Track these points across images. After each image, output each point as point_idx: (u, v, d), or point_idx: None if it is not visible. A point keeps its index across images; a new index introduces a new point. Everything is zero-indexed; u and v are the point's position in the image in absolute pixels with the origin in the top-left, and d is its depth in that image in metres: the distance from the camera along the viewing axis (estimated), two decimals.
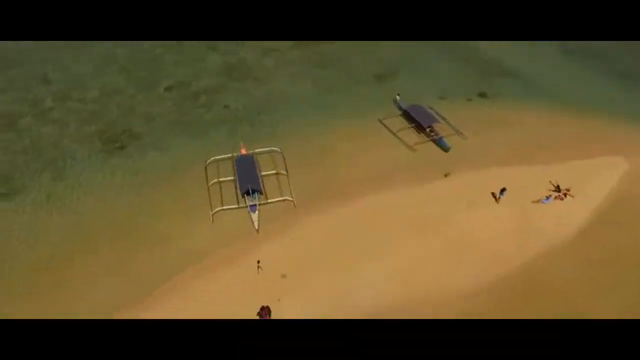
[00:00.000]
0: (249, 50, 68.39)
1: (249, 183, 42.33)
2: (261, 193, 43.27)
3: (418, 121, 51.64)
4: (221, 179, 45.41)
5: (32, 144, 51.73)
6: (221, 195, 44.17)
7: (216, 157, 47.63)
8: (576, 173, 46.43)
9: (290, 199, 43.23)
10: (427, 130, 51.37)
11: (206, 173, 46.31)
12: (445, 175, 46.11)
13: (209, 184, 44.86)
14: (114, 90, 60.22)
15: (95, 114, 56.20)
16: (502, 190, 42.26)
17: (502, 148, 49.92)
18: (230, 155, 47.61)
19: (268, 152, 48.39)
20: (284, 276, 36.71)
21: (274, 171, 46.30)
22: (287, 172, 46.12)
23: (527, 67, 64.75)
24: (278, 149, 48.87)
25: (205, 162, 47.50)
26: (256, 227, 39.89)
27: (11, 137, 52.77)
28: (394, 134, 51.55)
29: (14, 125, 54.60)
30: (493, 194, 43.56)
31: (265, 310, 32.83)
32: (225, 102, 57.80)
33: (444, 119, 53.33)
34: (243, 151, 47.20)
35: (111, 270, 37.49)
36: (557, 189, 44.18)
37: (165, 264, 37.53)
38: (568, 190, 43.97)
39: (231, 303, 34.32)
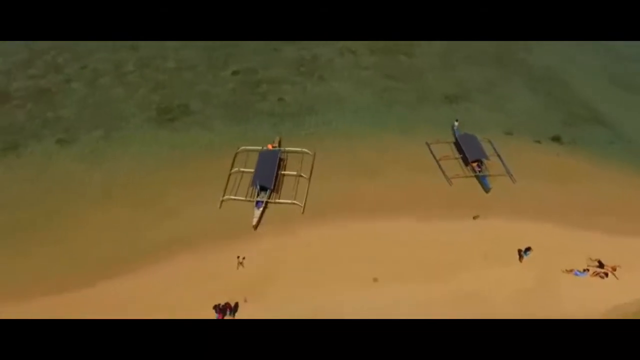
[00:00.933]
0: (326, 48, 67.60)
1: (261, 179, 41.88)
2: (273, 191, 42.56)
3: (465, 153, 47.24)
4: (243, 169, 45.51)
5: (101, 101, 56.24)
6: (238, 185, 44.25)
7: (246, 147, 47.83)
8: (635, 252, 39.18)
9: (300, 204, 42.00)
10: (474, 164, 46.75)
11: (233, 160, 46.72)
12: (474, 218, 41.66)
13: (231, 171, 45.20)
14: (188, 66, 63.26)
15: (163, 84, 59.46)
16: (527, 250, 37.05)
17: (553, 202, 43.84)
18: (260, 147, 47.46)
19: (299, 152, 47.43)
20: (265, 276, 35.96)
21: (295, 173, 45.29)
22: (309, 176, 44.84)
23: (623, 117, 55.93)
24: (309, 152, 47.72)
25: (237, 149, 47.91)
26: (254, 223, 39.40)
27: (86, 93, 57.89)
28: (437, 161, 47.68)
29: (94, 82, 59.77)
30: (519, 251, 38.41)
31: (224, 307, 32.31)
32: (281, 95, 57.79)
33: (498, 155, 48.19)
34: (270, 146, 46.82)
35: (113, 227, 39.60)
36: (600, 264, 37.60)
37: (159, 235, 38.76)
38: (615, 268, 37.23)
39: (190, 294, 34.37)
